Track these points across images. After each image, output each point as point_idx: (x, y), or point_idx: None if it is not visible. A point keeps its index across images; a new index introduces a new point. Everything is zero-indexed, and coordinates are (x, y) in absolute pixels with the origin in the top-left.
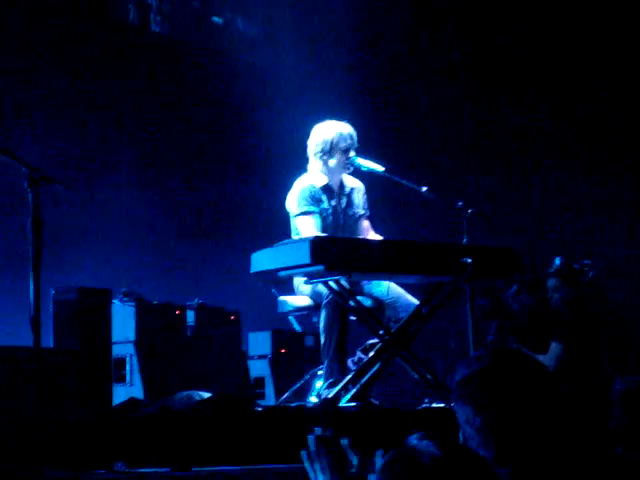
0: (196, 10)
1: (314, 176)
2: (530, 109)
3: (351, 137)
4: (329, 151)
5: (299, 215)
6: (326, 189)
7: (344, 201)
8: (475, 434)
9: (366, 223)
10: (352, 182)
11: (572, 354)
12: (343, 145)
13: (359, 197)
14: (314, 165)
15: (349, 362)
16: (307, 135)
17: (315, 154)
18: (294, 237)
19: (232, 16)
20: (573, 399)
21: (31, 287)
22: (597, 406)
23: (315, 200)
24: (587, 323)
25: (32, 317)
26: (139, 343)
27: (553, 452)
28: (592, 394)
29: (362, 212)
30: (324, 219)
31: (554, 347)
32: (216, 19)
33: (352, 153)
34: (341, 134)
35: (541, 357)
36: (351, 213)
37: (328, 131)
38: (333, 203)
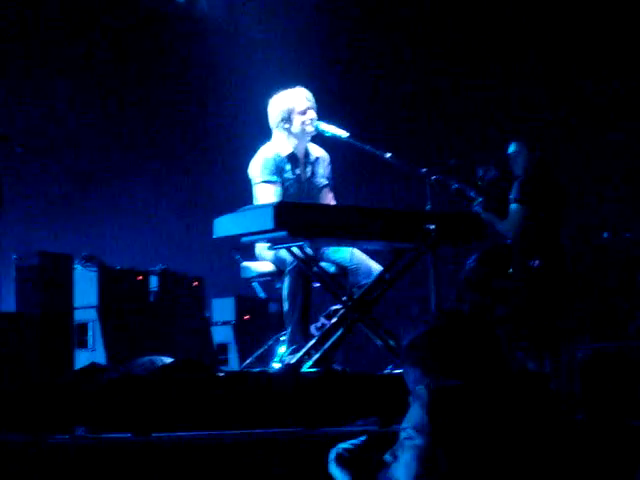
0: None
1: (279, 144)
2: (500, 77)
3: (306, 98)
4: (288, 118)
5: (260, 183)
6: (291, 158)
7: (309, 170)
8: None
9: (330, 194)
10: (318, 151)
11: (532, 216)
12: (299, 108)
13: (324, 167)
14: (278, 135)
15: (312, 328)
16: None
17: (277, 126)
18: (255, 203)
19: None
20: (537, 275)
21: None
22: (558, 282)
23: (278, 169)
24: (547, 186)
25: None
26: (101, 308)
27: (502, 411)
28: (553, 269)
29: (326, 182)
30: (287, 188)
31: (512, 209)
32: None
33: (312, 114)
34: (295, 98)
35: (503, 223)
36: (315, 182)
37: (282, 100)
38: (297, 172)
